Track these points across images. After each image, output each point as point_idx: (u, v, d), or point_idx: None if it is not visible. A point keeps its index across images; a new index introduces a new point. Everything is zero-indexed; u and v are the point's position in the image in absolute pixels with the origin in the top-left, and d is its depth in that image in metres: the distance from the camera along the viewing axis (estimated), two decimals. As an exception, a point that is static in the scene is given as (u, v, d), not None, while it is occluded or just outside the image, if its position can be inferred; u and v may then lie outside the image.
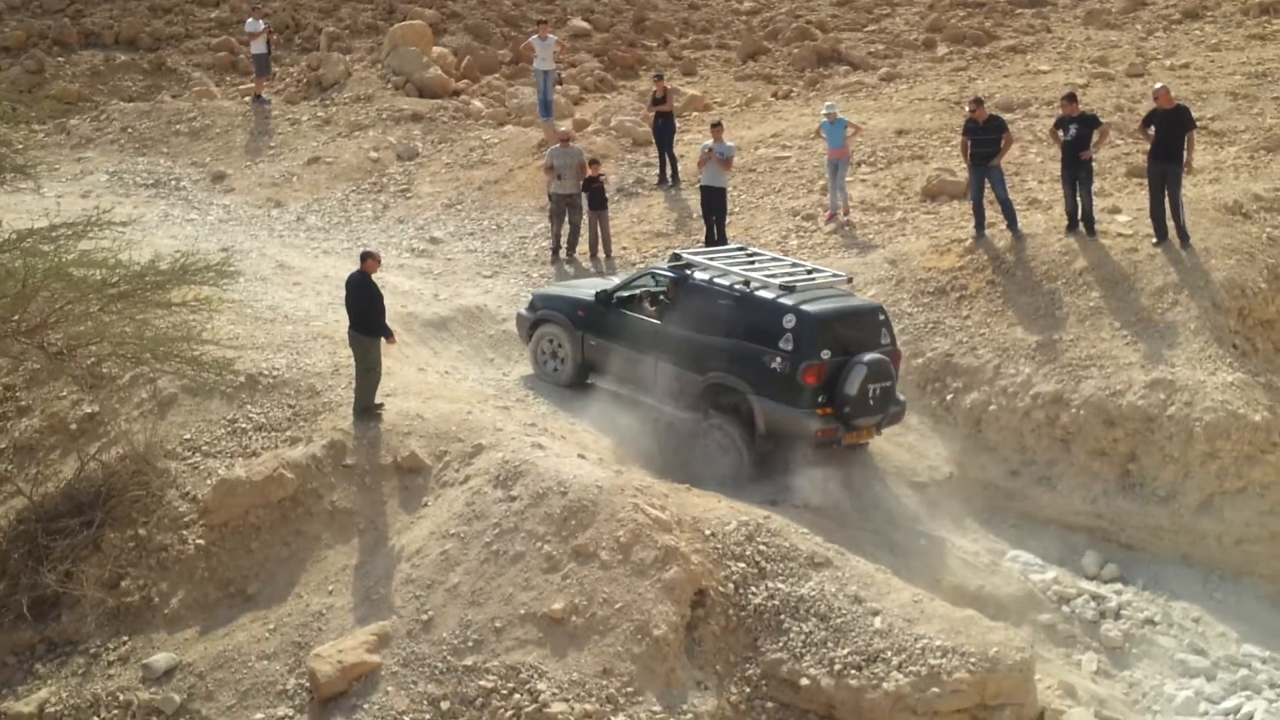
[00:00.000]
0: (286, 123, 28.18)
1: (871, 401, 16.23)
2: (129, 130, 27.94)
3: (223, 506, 14.65)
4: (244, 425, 15.76)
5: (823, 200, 23.29)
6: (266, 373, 16.37)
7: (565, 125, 26.72)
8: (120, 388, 16.49)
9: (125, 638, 14.02)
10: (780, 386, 16.12)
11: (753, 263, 17.57)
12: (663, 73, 28.13)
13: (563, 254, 22.29)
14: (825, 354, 16.03)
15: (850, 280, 17.83)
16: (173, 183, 25.71)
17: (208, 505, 14.70)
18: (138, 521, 14.80)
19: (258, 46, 29.09)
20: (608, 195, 22.93)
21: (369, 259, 16.05)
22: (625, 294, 18.02)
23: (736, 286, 16.79)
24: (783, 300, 16.32)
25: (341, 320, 17.76)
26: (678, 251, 18.51)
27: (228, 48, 31.57)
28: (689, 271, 17.35)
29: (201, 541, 14.52)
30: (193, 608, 14.12)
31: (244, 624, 13.78)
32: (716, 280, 17.03)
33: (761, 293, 16.56)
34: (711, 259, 17.72)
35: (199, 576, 14.32)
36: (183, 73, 30.51)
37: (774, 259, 18.09)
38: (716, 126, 22.65)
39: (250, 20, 29.36)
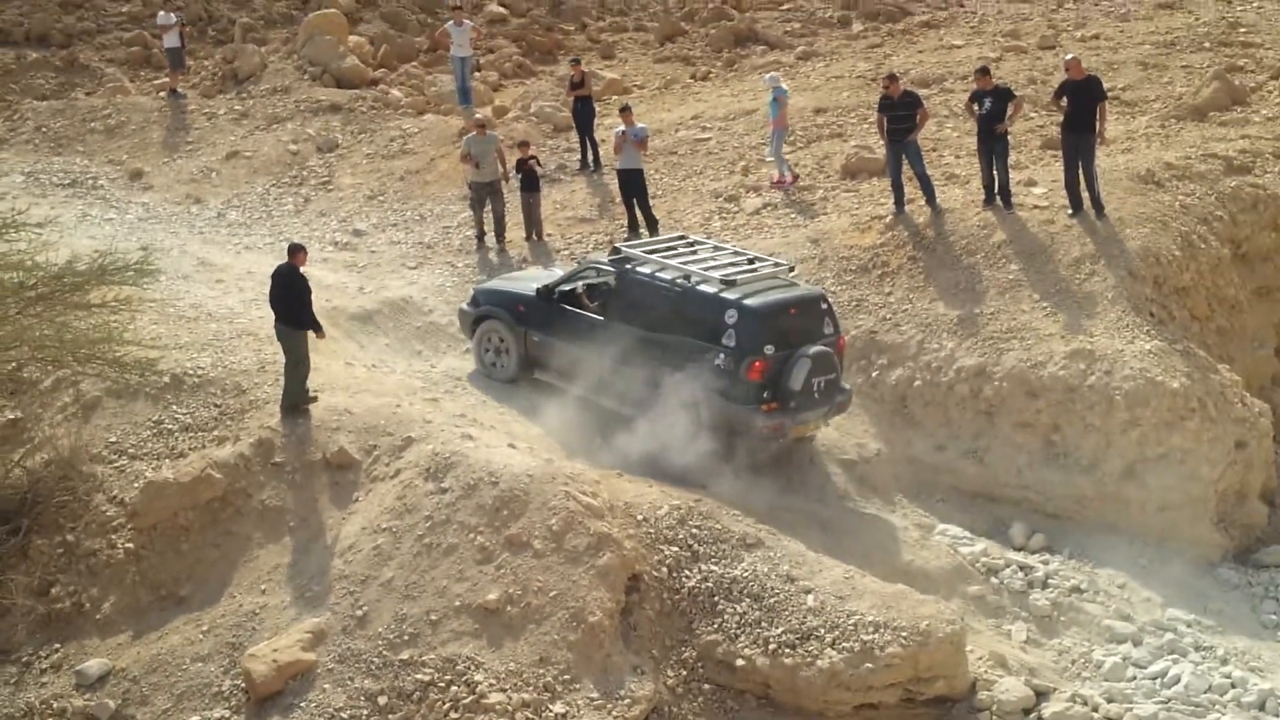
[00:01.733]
0: (203, 117, 27.86)
1: (817, 395, 16.22)
2: (43, 129, 27.48)
3: (151, 509, 14.55)
4: (170, 426, 15.66)
5: (744, 180, 23.42)
6: (191, 372, 16.26)
7: (481, 112, 26.62)
8: (42, 392, 16.31)
9: (57, 645, 13.94)
10: (725, 383, 16.04)
11: (694, 253, 17.40)
12: (580, 57, 28.07)
13: (489, 242, 22.14)
14: (769, 349, 15.93)
15: (792, 269, 17.75)
16: (90, 182, 25.36)
17: (136, 508, 14.60)
18: (65, 527, 14.69)
19: (171, 40, 28.70)
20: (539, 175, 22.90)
21: (298, 252, 15.97)
22: (566, 288, 17.87)
23: (677, 280, 16.66)
24: (724, 295, 16.15)
25: (266, 317, 17.66)
26: (618, 245, 18.38)
27: (141, 42, 31.11)
28: (629, 265, 17.24)
29: (131, 545, 14.43)
30: (124, 612, 14.03)
31: (177, 627, 13.71)
32: (657, 274, 16.87)
33: (703, 287, 16.40)
34: (651, 250, 17.51)
35: (129, 581, 14.23)
36: (96, 69, 30.05)
37: (715, 247, 17.86)
38: (625, 110, 22.62)
39: (162, 13, 28.96)
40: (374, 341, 19.01)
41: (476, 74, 29.03)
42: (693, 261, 16.96)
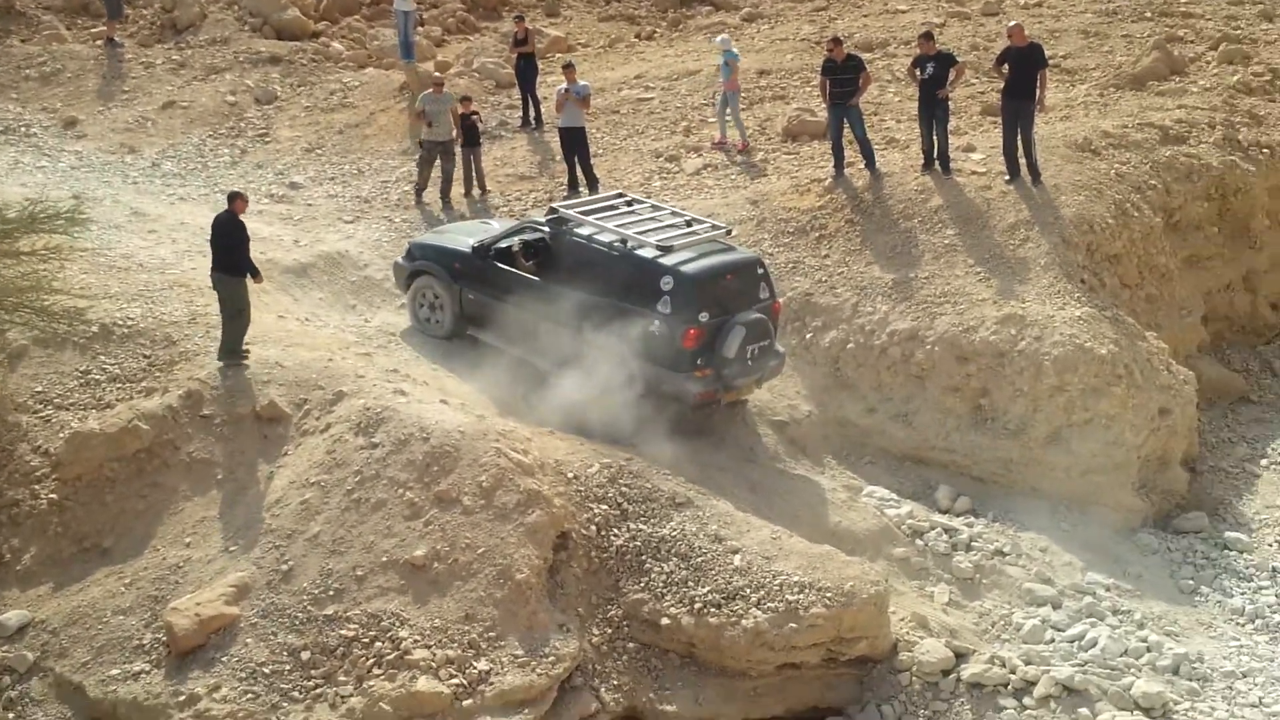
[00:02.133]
0: (140, 66, 27.44)
1: (750, 361, 16.23)
2: (-25, 76, 27.06)
3: (76, 460, 14.43)
4: (97, 377, 15.50)
5: (685, 141, 23.41)
6: (120, 322, 16.08)
7: (430, 68, 26.42)
8: (-33, 340, 16.10)
9: (-24, 596, 13.81)
10: (659, 348, 15.98)
11: (632, 213, 17.23)
12: (524, 14, 27.91)
13: (428, 198, 21.96)
14: (704, 316, 15.87)
15: (730, 232, 17.65)
16: (22, 129, 24.95)
17: (60, 459, 14.47)
18: (-12, 477, 14.54)
19: (109, -13, 28.28)
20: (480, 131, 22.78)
21: (237, 199, 15.87)
22: (502, 246, 17.71)
23: (614, 245, 16.52)
24: (661, 260, 16.04)
25: (200, 268, 17.52)
26: (554, 205, 18.18)
27: (78, -11, 30.59)
28: (566, 226, 17.08)
29: (54, 496, 14.30)
30: (46, 564, 13.92)
31: (99, 579, 13.62)
32: (594, 237, 16.72)
33: (640, 251, 16.28)
34: (589, 210, 17.29)
35: (52, 532, 14.11)
36: (32, 16, 29.47)
37: (654, 207, 17.71)
38: (568, 68, 22.52)
39: (102, -39, 28.52)
40: (308, 295, 18.87)
41: (420, 29, 28.77)
42: (630, 223, 16.82)
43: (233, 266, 15.56)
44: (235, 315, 15.49)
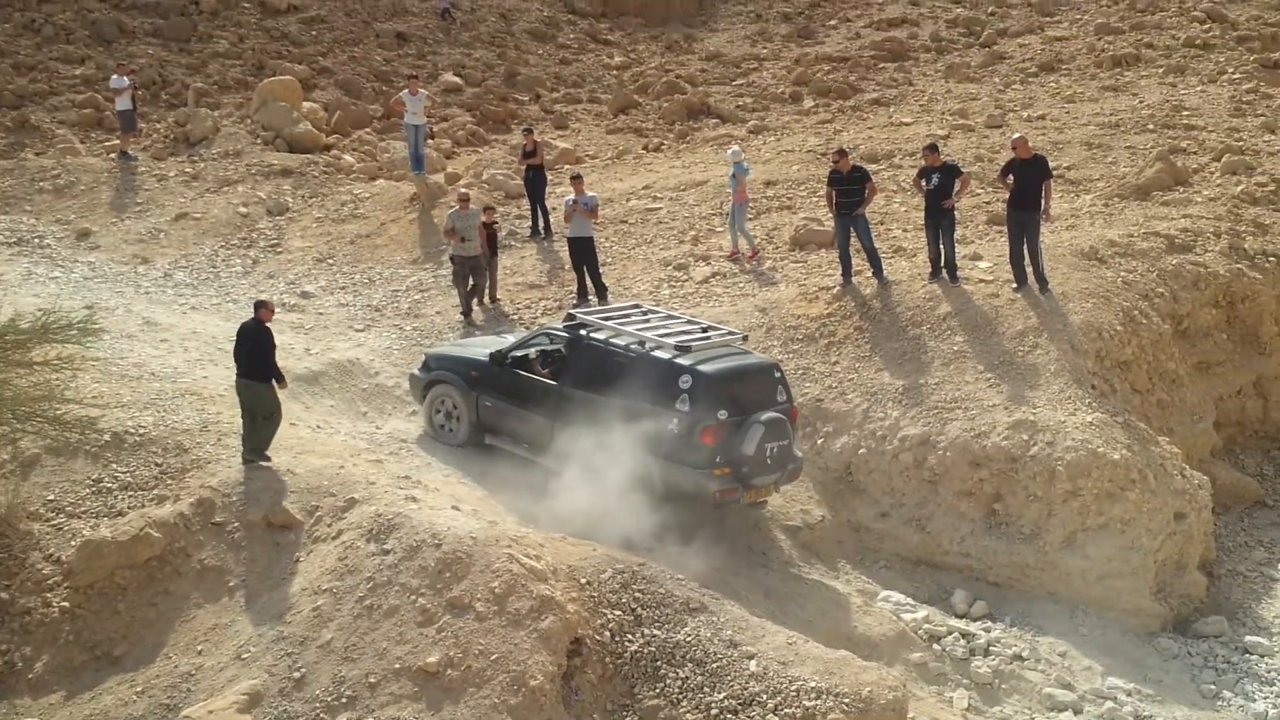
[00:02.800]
0: (153, 179, 27.79)
1: (769, 460, 16.22)
2: (-10, 188, 27.37)
3: (88, 568, 14.32)
4: (109, 485, 15.48)
5: (693, 250, 23.60)
6: (132, 431, 16.10)
7: (440, 180, 26.72)
8: (-20, 449, 16.09)
9: (-12, 705, 13.66)
10: (678, 447, 16.04)
11: (647, 321, 17.46)
12: (533, 126, 28.27)
13: (476, 318, 22.04)
14: (722, 414, 15.96)
15: (745, 338, 17.86)
16: (36, 240, 25.20)
17: (72, 567, 14.36)
18: (0, 585, 14.44)
19: (123, 103, 28.69)
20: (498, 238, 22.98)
21: (263, 307, 16.08)
22: (519, 354, 17.88)
23: (632, 346, 16.70)
24: (679, 360, 16.22)
25: (211, 376, 17.58)
26: (572, 311, 18.40)
27: (93, 104, 31.04)
28: (584, 331, 17.27)
29: (66, 604, 14.18)
30: (58, 672, 13.76)
31: (111, 687, 13.45)
32: (612, 340, 16.93)
33: (657, 352, 16.47)
34: (606, 318, 17.57)
35: (64, 640, 13.98)
36: (47, 130, 29.96)
37: (669, 317, 17.92)
38: (576, 179, 22.78)
39: (115, 76, 28.98)
40: (319, 403, 18.93)
41: (430, 141, 29.16)
42: (647, 329, 17.02)
43: (260, 373, 15.72)
44: (267, 418, 15.68)
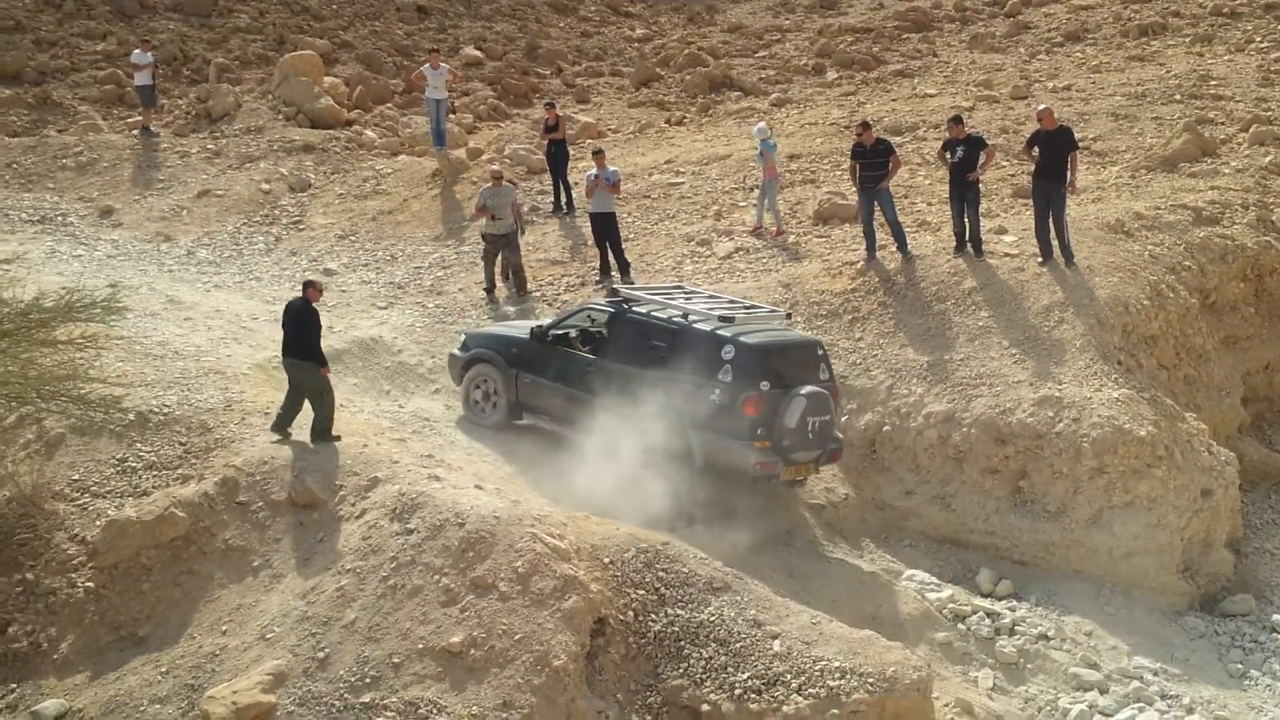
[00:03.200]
0: (175, 155, 27.81)
1: (810, 435, 16.16)
2: (14, 166, 27.38)
3: (112, 548, 14.35)
4: (134, 464, 15.49)
5: (716, 225, 23.50)
6: (157, 410, 16.11)
7: (463, 155, 26.65)
8: (5, 429, 16.09)
9: (13, 685, 13.66)
10: (719, 418, 16.01)
11: (689, 299, 17.47)
12: (555, 100, 28.18)
13: (499, 295, 22.03)
14: (764, 385, 15.92)
15: (789, 315, 17.81)
16: (59, 218, 25.25)
17: (97, 547, 14.40)
18: (25, 565, 14.47)
19: (143, 79, 28.74)
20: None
21: (311, 287, 16.21)
22: (560, 331, 17.88)
23: (675, 319, 16.70)
24: (721, 332, 16.22)
25: (234, 355, 17.59)
26: (615, 286, 18.40)
27: (115, 80, 31.08)
28: (626, 305, 17.26)
29: (91, 584, 14.22)
30: (82, 652, 13.80)
31: (135, 667, 13.49)
32: (654, 313, 16.94)
33: (700, 325, 16.47)
34: (649, 294, 17.60)
35: (89, 620, 14.02)
36: (69, 106, 30.01)
37: (710, 295, 17.99)
38: (598, 154, 22.71)
39: (137, 52, 29.01)
40: (342, 381, 18.85)
41: (451, 116, 29.09)
42: (690, 303, 17.08)
43: (307, 352, 15.77)
44: (319, 397, 15.70)
